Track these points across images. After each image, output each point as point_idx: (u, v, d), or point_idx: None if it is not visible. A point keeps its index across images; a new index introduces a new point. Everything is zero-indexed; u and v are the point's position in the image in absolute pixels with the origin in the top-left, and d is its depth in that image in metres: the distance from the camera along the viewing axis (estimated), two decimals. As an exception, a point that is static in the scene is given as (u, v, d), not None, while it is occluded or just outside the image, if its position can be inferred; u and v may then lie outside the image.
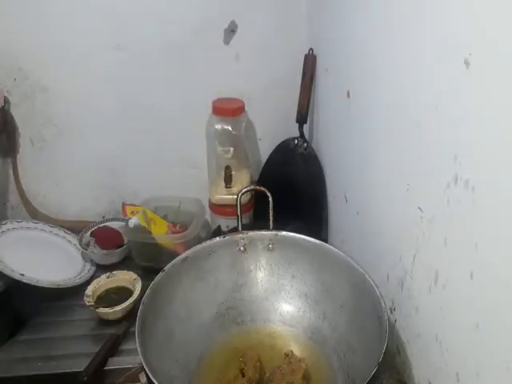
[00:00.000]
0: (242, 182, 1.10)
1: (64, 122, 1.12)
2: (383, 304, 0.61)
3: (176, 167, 1.19)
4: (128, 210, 1.17)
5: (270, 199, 0.78)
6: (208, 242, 0.78)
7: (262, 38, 1.08)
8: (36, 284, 0.91)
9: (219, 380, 0.68)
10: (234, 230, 0.85)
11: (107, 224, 1.15)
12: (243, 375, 0.67)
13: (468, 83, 0.43)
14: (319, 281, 0.76)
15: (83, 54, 1.05)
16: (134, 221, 1.05)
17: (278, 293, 0.80)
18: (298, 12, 1.07)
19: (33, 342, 0.86)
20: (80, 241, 1.08)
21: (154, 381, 0.54)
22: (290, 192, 1.01)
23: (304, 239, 0.77)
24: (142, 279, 0.95)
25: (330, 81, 0.96)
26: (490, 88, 0.40)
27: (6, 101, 1.09)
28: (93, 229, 1.13)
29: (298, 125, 1.06)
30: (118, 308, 0.88)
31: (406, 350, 0.64)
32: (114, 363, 0.80)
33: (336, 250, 0.73)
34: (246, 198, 1.08)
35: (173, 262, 0.73)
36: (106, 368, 0.79)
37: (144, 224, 1.04)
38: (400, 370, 0.67)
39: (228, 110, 1.06)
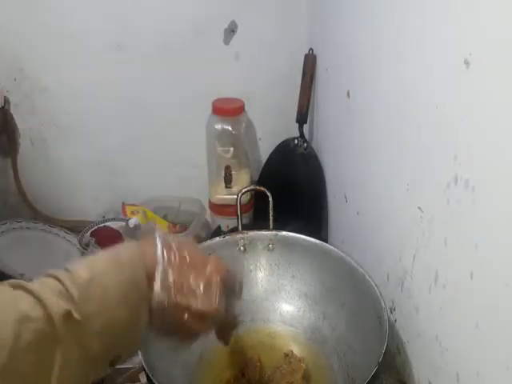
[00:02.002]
0: (242, 182, 1.10)
1: (64, 122, 1.12)
2: (383, 304, 0.61)
3: (176, 167, 1.19)
4: (128, 209, 1.17)
5: (270, 199, 0.78)
6: (208, 242, 0.77)
7: (262, 38, 1.08)
8: (36, 284, 0.91)
9: (219, 380, 0.68)
10: (234, 230, 0.85)
11: (107, 224, 1.14)
12: (243, 375, 0.67)
13: (468, 83, 0.43)
14: (319, 281, 0.76)
15: (83, 54, 1.05)
16: (133, 221, 1.05)
17: (278, 293, 0.80)
18: (298, 12, 1.07)
19: (33, 342, 0.86)
20: (80, 241, 1.08)
21: (154, 381, 0.54)
22: (289, 192, 1.01)
23: (304, 239, 0.77)
24: (142, 279, 0.95)
25: (330, 81, 0.96)
26: (490, 88, 0.40)
27: (6, 101, 1.08)
28: (93, 229, 1.12)
29: (298, 125, 1.06)
30: (118, 308, 0.88)
31: (406, 349, 0.64)
32: (114, 363, 0.80)
33: (336, 249, 0.73)
34: (245, 198, 1.07)
35: (173, 262, 0.73)
36: (106, 368, 0.79)
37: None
38: (400, 370, 0.67)
39: (228, 109, 1.06)
